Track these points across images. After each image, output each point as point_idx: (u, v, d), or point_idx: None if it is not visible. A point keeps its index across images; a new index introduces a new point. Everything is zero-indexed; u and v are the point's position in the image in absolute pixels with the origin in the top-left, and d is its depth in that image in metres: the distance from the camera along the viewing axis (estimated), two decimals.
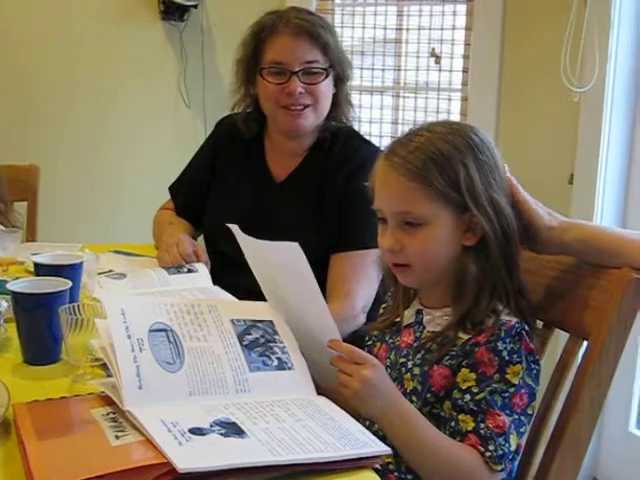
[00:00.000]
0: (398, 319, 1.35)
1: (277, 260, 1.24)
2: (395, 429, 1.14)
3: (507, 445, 1.15)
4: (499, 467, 1.15)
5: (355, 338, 1.47)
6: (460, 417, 1.17)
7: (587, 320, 1.26)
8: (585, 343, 1.28)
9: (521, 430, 1.17)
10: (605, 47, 2.38)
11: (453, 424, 1.18)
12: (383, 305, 1.44)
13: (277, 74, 1.82)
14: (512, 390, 1.16)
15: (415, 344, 1.29)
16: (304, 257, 1.16)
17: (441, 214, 1.21)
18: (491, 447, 1.14)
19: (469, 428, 1.16)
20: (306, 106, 1.82)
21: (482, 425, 1.15)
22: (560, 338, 1.37)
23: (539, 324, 1.33)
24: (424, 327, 1.29)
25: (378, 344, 1.37)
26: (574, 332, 1.31)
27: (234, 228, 1.27)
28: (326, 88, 1.84)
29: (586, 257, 1.27)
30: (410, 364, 1.27)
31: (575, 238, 1.25)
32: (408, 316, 1.33)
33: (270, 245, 1.21)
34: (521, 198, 1.27)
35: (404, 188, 1.22)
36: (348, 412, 1.09)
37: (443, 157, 1.21)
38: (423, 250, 1.23)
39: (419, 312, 1.31)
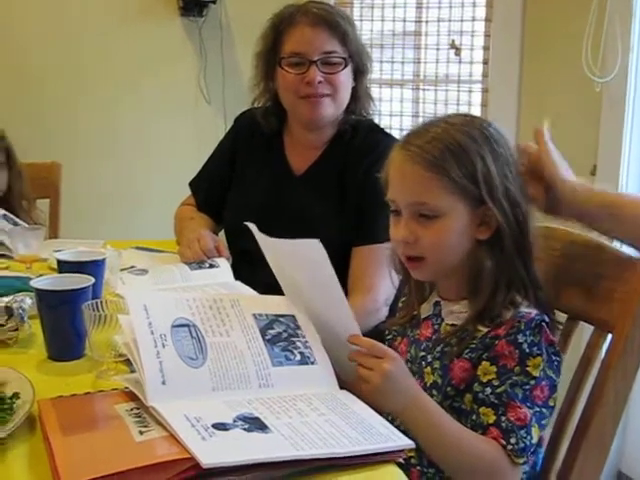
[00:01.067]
0: (416, 312, 1.35)
1: (297, 256, 1.23)
2: (416, 423, 1.14)
3: (529, 438, 1.14)
4: (521, 460, 1.14)
5: (376, 333, 1.47)
6: (481, 410, 1.17)
7: (611, 313, 1.25)
8: (609, 336, 1.26)
9: (543, 422, 1.17)
10: (627, 36, 2.35)
11: (474, 417, 1.18)
12: (402, 299, 1.44)
13: (296, 64, 1.82)
14: (533, 382, 1.15)
15: (434, 337, 1.28)
16: (325, 252, 1.15)
17: (457, 206, 1.20)
18: (513, 440, 1.13)
19: (490, 421, 1.16)
20: (325, 95, 1.82)
21: (503, 418, 1.15)
22: (584, 331, 1.36)
23: (563, 317, 1.32)
24: (442, 319, 1.29)
25: (399, 338, 1.37)
26: (598, 325, 1.30)
27: (252, 227, 1.27)
28: (345, 78, 1.83)
29: (603, 224, 1.25)
30: (430, 357, 1.27)
31: (599, 204, 1.23)
32: (427, 308, 1.33)
33: (291, 242, 1.20)
34: (547, 148, 1.26)
35: (420, 177, 1.21)
36: (370, 406, 1.09)
37: (460, 148, 1.20)
38: (438, 242, 1.22)
39: (437, 304, 1.31)
